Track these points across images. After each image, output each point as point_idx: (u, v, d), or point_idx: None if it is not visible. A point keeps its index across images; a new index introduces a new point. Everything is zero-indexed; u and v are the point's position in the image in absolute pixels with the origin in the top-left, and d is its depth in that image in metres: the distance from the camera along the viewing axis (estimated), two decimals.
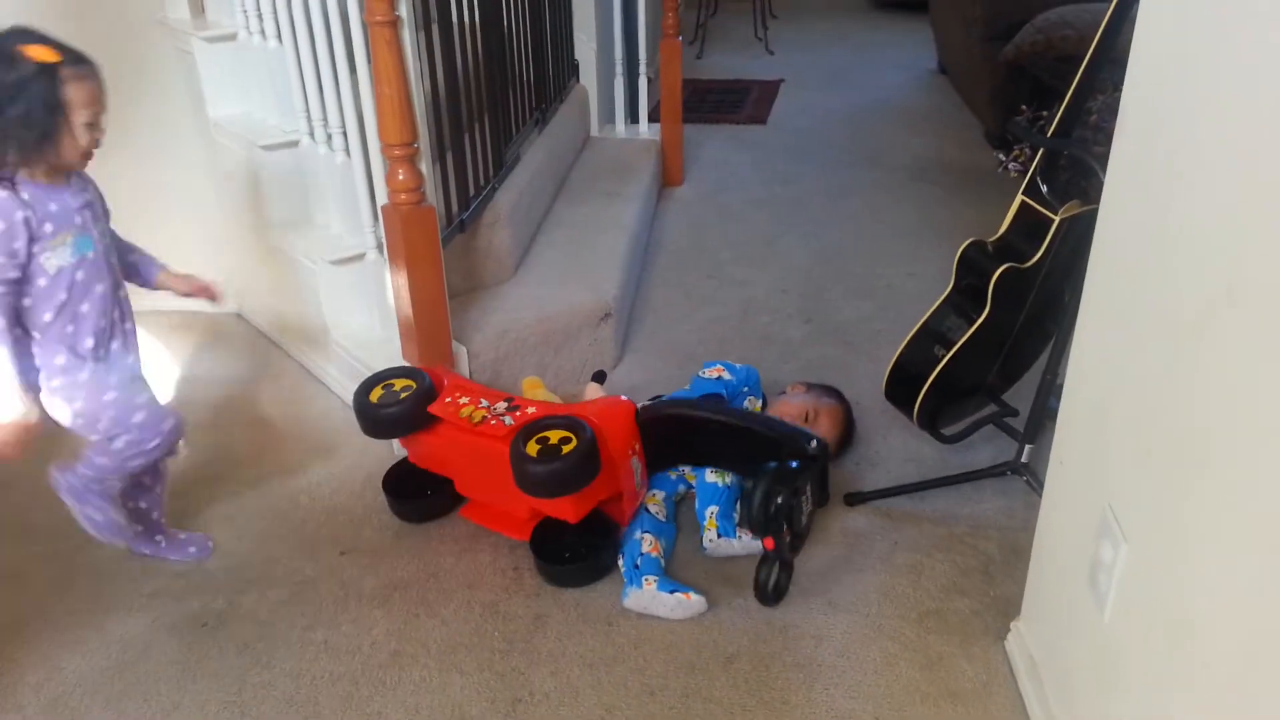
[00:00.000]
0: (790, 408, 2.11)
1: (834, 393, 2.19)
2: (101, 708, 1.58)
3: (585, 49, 3.64)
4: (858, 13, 6.59)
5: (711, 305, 2.84)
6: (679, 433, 1.91)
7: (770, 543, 1.71)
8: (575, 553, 1.80)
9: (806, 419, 2.08)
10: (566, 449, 1.67)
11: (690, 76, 4.72)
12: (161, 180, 2.69)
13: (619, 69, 3.69)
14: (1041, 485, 1.59)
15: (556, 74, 3.29)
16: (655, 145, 3.65)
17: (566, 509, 1.76)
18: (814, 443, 1.78)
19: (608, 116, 3.81)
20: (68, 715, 1.57)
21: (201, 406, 2.42)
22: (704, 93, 4.95)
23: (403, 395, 1.88)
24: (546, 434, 1.70)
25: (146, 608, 1.78)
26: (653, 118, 3.79)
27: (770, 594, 1.73)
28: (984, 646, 1.65)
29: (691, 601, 1.72)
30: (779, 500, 1.68)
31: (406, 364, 2.10)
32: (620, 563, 1.81)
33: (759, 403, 2.15)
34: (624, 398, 1.91)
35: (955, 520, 1.95)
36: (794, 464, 1.73)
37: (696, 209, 3.55)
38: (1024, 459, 1.97)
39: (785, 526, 1.71)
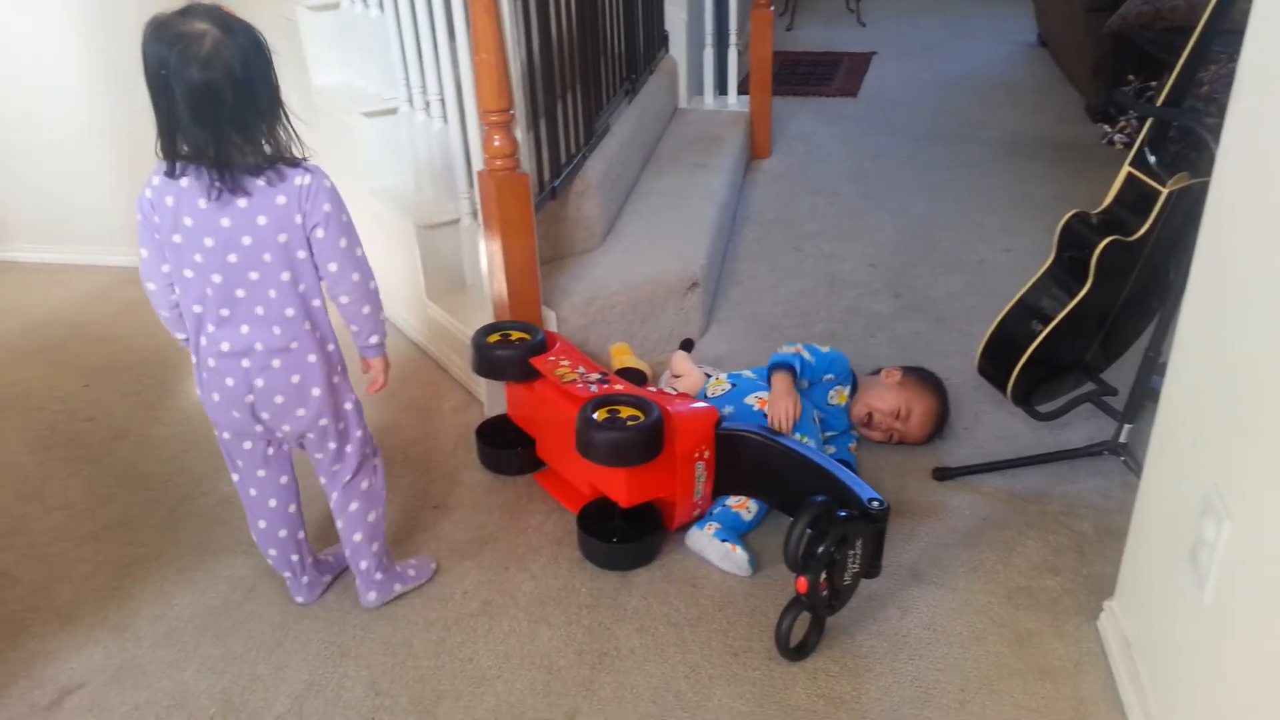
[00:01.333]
0: (883, 402, 2.05)
1: (931, 383, 2.11)
2: (211, 642, 1.67)
3: (676, 19, 3.63)
4: None
5: (798, 278, 2.83)
6: (754, 457, 1.83)
7: (804, 584, 1.52)
8: (621, 536, 1.79)
9: (899, 415, 2.04)
10: (630, 423, 1.70)
11: (780, 48, 4.66)
12: None
13: (709, 40, 3.67)
14: (1140, 466, 1.55)
15: (647, 44, 3.29)
16: (744, 117, 3.63)
17: (620, 488, 1.76)
18: (875, 503, 1.59)
19: (696, 88, 3.80)
20: (179, 647, 1.67)
21: None
22: (794, 64, 4.89)
23: (516, 342, 2.00)
24: (618, 407, 1.74)
25: (250, 552, 1.86)
26: (741, 89, 3.76)
27: (790, 648, 1.57)
28: (1076, 625, 1.63)
29: (736, 555, 1.73)
30: (823, 542, 1.50)
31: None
32: None
33: (846, 391, 2.08)
34: (711, 405, 1.87)
35: (1048, 499, 1.92)
36: (842, 513, 1.56)
37: (784, 182, 3.52)
38: (1122, 439, 1.92)
39: (825, 576, 1.54)
